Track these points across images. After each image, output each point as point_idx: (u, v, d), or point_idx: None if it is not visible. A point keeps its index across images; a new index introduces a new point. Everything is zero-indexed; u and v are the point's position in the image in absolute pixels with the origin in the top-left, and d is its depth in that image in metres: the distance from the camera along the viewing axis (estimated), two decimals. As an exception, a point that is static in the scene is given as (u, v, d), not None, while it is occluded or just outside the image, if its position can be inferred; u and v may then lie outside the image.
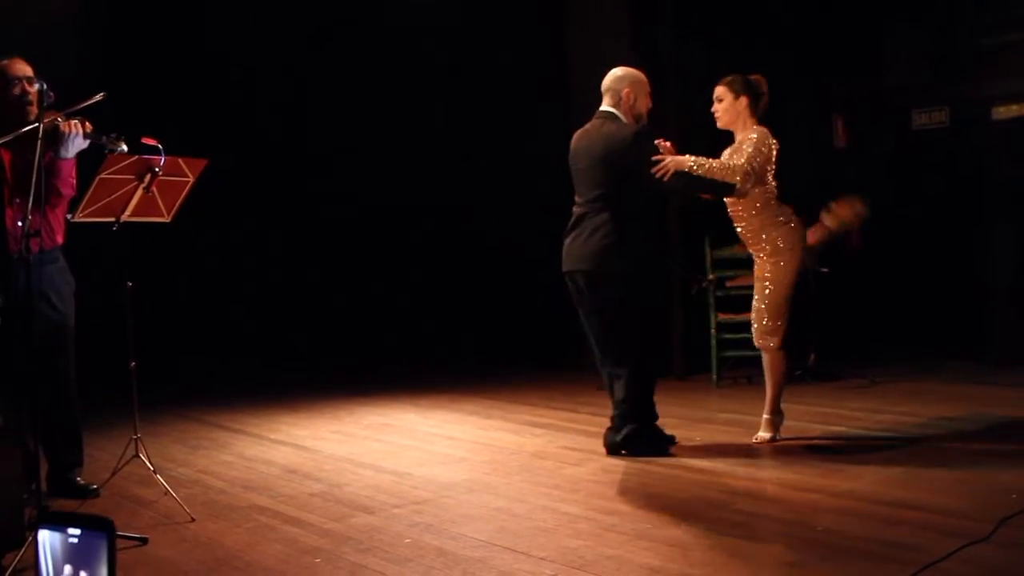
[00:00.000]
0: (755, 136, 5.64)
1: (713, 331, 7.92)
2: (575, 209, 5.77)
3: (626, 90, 5.77)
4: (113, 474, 4.96)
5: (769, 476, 5.12)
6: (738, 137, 5.78)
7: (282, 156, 9.86)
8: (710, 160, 5.56)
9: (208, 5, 9.28)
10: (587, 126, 5.86)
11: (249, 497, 5.11)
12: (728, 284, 7.75)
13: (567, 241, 5.77)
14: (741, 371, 7.93)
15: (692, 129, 6.49)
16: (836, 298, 8.29)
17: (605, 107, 5.82)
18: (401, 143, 10.19)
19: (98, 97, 4.63)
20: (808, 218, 5.97)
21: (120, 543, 4.18)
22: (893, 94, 9.29)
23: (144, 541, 4.35)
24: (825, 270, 7.97)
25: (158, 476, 4.88)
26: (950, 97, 8.99)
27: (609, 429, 5.78)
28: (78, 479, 5.17)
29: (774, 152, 5.69)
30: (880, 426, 6.21)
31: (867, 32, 9.19)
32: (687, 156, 5.56)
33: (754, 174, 5.55)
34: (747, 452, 5.66)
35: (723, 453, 5.65)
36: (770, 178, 5.70)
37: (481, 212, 10.11)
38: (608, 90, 5.82)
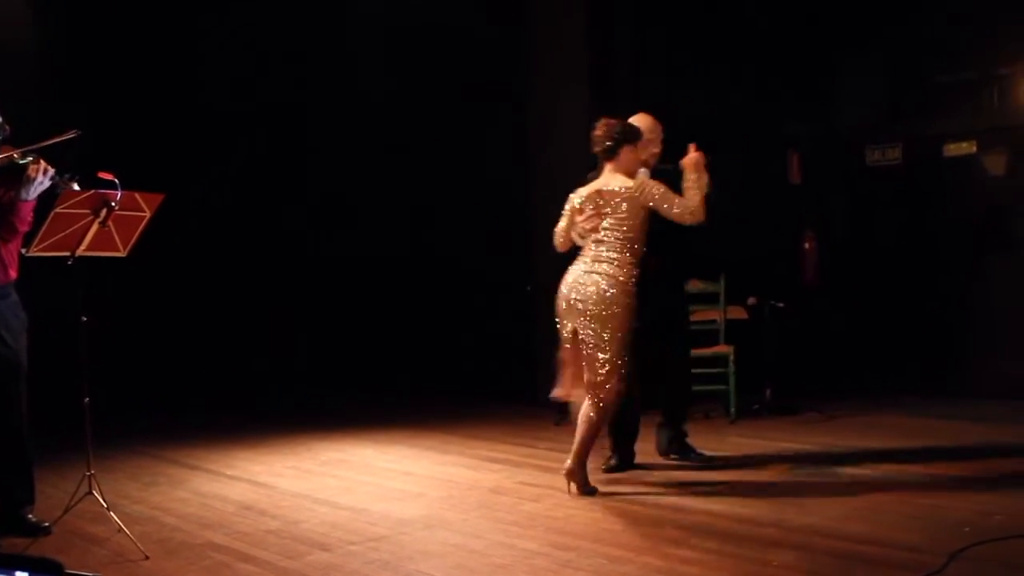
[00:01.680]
0: None
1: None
2: None
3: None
4: (66, 511, 4.90)
5: (725, 511, 5.13)
6: None
7: (238, 183, 9.82)
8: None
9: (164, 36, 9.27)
10: None
11: (204, 534, 5.06)
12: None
13: None
14: (698, 406, 7.91)
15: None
16: (791, 332, 8.35)
17: None
18: (361, 172, 10.20)
19: (71, 134, 4.60)
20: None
21: (71, 583, 4.13)
22: (847, 131, 9.43)
23: (96, 580, 4.29)
24: (781, 304, 8.03)
25: (111, 513, 4.83)
26: (903, 134, 9.13)
27: None
28: (29, 517, 5.07)
29: (575, 204, 5.65)
30: (835, 460, 6.25)
31: (821, 69, 9.33)
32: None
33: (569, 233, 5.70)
34: (704, 487, 5.68)
35: (680, 488, 5.67)
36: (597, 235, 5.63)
37: (444, 247, 10.13)
38: None
